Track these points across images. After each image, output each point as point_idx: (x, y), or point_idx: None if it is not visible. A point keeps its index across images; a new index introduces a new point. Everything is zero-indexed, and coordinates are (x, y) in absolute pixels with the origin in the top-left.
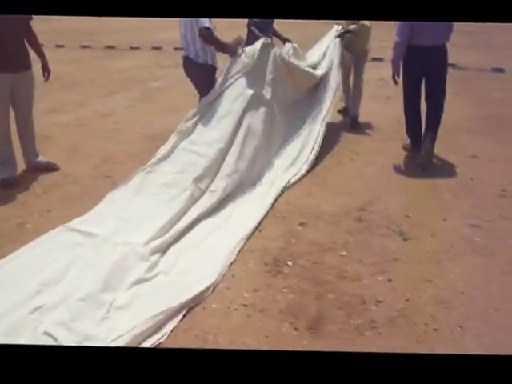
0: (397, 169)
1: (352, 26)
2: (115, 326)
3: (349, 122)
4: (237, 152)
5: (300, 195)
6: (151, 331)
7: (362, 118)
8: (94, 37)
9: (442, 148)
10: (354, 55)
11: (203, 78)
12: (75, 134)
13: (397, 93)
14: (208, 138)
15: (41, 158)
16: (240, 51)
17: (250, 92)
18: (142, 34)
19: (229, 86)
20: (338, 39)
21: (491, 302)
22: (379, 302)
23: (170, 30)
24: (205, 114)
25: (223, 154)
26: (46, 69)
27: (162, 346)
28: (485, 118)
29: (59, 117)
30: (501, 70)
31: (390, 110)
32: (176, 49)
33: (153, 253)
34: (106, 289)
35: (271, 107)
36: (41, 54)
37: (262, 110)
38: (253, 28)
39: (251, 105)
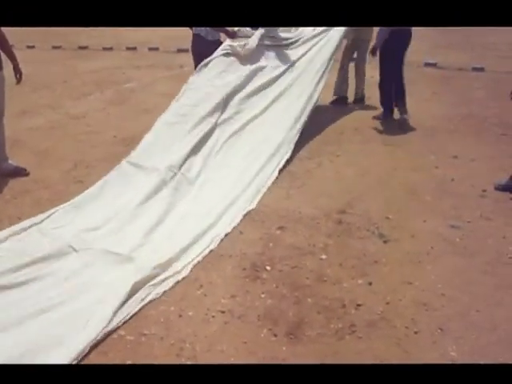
0: (377, 170)
1: None
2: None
3: (356, 102)
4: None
5: (279, 198)
6: None
7: (342, 120)
8: (65, 37)
9: (422, 148)
10: (357, 42)
11: (212, 53)
12: (47, 138)
13: (376, 93)
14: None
15: (10, 162)
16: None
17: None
18: (116, 34)
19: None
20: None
21: (472, 303)
22: (359, 305)
23: (144, 30)
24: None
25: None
26: (17, 71)
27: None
28: (465, 118)
29: (30, 120)
30: (481, 70)
31: (371, 110)
32: (151, 49)
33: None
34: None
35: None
36: (11, 56)
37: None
38: None
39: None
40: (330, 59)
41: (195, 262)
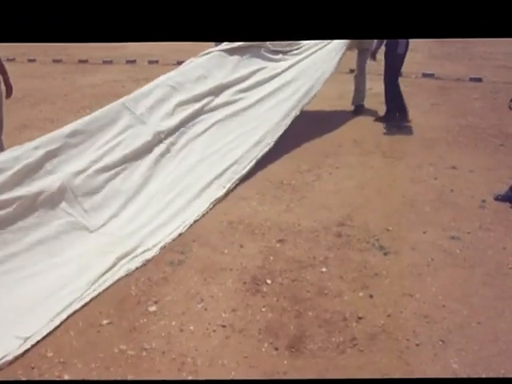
0: (376, 182)
1: None
2: None
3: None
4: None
5: (279, 211)
6: None
7: (340, 131)
8: (66, 51)
9: (421, 160)
10: (358, 51)
11: None
12: None
13: (375, 105)
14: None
15: None
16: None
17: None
18: (116, 47)
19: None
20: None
21: (473, 315)
22: (360, 318)
23: (143, 43)
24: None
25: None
26: (7, 85)
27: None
28: (464, 129)
29: (30, 133)
30: (479, 80)
31: (370, 122)
32: (150, 62)
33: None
34: None
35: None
36: (1, 69)
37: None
38: None
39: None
40: (333, 59)
41: (164, 243)
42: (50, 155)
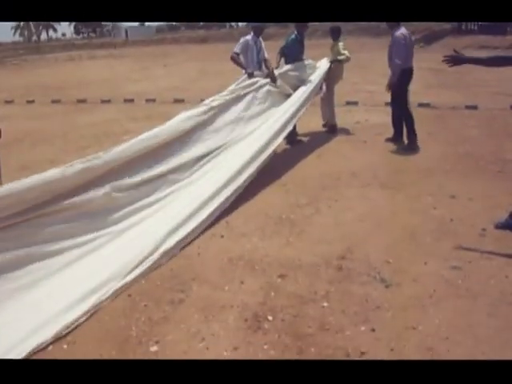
0: (376, 214)
1: (340, 57)
2: None
3: (327, 130)
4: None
5: (279, 246)
6: None
7: (338, 164)
8: (64, 91)
9: (420, 190)
10: (330, 78)
11: None
12: None
13: (371, 136)
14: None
15: None
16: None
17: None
18: (113, 86)
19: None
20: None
21: (477, 346)
22: (363, 353)
23: (140, 82)
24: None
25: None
26: None
27: None
28: (461, 157)
29: (31, 175)
30: (474, 107)
31: (368, 154)
32: (148, 100)
33: None
34: None
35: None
36: None
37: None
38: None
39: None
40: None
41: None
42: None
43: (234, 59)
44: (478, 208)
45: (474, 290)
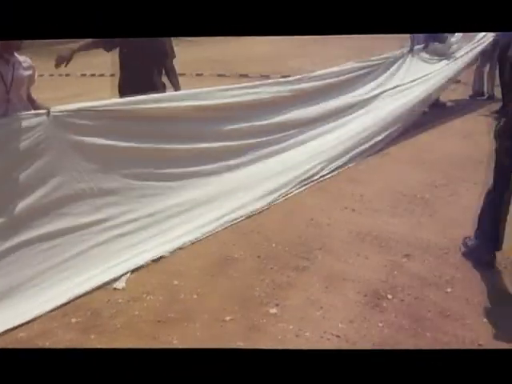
0: None
1: None
2: None
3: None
4: None
5: (409, 225)
6: None
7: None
8: (230, 65)
9: None
10: None
11: None
12: None
13: None
14: None
15: None
16: None
17: None
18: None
19: None
20: None
21: None
22: (480, 345)
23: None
24: None
25: None
26: None
27: None
28: None
29: None
30: None
31: None
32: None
33: None
34: None
35: None
36: None
37: None
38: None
39: None
40: None
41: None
42: None
43: None
44: None
45: None
